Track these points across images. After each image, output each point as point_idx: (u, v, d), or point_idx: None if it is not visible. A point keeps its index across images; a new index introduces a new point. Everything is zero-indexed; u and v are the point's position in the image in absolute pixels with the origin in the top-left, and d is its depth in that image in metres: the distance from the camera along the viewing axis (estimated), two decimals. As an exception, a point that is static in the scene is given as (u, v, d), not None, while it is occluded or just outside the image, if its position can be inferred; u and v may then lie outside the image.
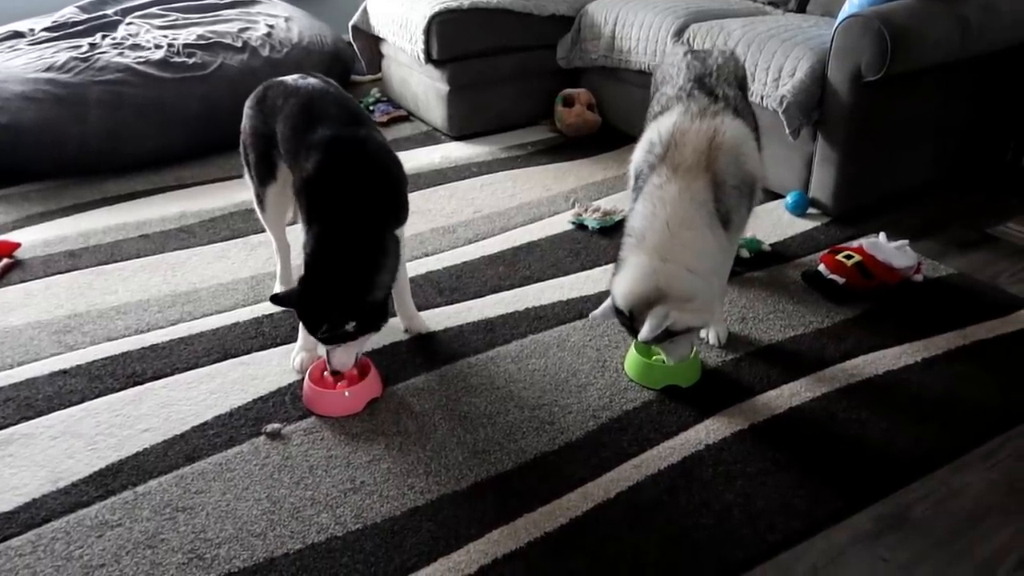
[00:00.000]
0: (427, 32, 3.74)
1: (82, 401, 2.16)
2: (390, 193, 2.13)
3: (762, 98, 3.06)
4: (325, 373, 2.15)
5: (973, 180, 3.38)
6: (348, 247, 1.97)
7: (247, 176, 2.51)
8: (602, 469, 1.89)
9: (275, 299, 2.00)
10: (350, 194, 2.02)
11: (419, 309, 2.48)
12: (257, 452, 1.97)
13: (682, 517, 1.76)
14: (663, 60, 2.39)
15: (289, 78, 2.34)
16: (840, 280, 2.52)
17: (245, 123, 2.44)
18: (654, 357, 2.18)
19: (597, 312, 2.03)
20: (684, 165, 1.90)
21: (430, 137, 4.03)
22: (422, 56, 3.81)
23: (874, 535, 1.72)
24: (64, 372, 2.28)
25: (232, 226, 3.13)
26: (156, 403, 2.15)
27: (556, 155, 3.76)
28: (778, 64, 3.00)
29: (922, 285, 2.60)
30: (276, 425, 2.04)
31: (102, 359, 2.33)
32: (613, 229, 3.02)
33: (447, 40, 3.74)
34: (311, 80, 2.32)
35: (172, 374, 2.27)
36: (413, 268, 2.77)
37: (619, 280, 1.94)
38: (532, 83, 4.05)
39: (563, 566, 1.65)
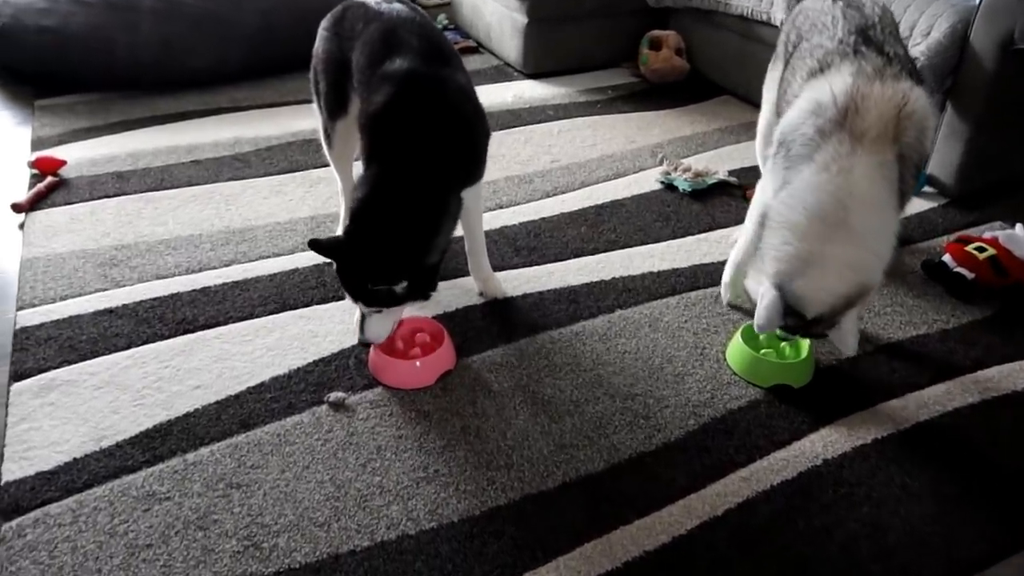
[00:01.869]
0: (509, -44, 3.40)
1: (129, 347, 1.97)
2: (465, 146, 1.89)
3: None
4: (397, 340, 1.94)
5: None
6: (408, 198, 1.74)
7: (316, 105, 2.27)
8: (706, 479, 1.67)
9: (315, 245, 1.74)
10: (419, 139, 1.78)
11: (494, 269, 2.24)
12: (319, 424, 1.77)
13: (801, 545, 1.54)
14: (805, 4, 2.06)
15: (371, 2, 2.06)
16: (969, 275, 2.24)
17: (318, 46, 2.18)
18: (762, 351, 1.93)
19: (762, 322, 1.68)
20: (870, 135, 1.61)
21: (501, 72, 3.72)
22: (500, -18, 3.48)
23: (1023, 587, 1.50)
24: (110, 312, 2.08)
25: (290, 157, 2.88)
26: (209, 356, 1.95)
27: (640, 103, 3.45)
28: (911, 20, 2.64)
29: (1061, 287, 2.30)
30: (340, 394, 1.84)
31: (150, 300, 2.13)
32: (706, 193, 2.74)
33: (531, -34, 3.40)
34: (396, 5, 2.04)
35: (226, 323, 2.07)
36: (487, 220, 2.51)
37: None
38: (617, 22, 3.71)
39: (665, 593, 1.45)
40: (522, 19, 3.54)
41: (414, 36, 1.92)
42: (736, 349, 1.96)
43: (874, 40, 1.78)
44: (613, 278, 2.29)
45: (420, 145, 1.78)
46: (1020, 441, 1.80)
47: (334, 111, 2.19)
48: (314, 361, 1.94)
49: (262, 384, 1.88)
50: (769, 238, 1.69)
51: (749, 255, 2.04)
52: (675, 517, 1.58)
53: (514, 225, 2.53)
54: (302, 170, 2.81)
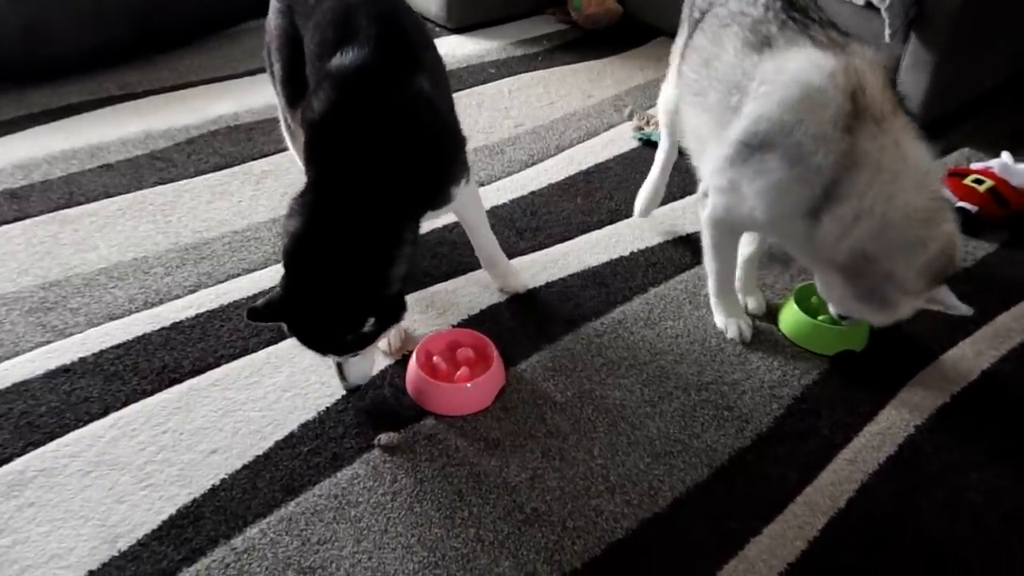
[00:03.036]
0: None
1: (106, 412, 1.61)
2: (424, 166, 1.55)
3: (847, -10, 2.65)
4: (435, 358, 1.69)
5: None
6: (352, 231, 1.44)
7: (273, 88, 1.92)
8: (813, 468, 1.57)
9: (255, 315, 1.43)
10: (364, 158, 1.48)
11: None
12: (378, 475, 1.51)
13: (932, 524, 1.48)
14: None
15: None
16: (972, 208, 2.24)
17: (270, 19, 1.84)
18: (820, 317, 1.84)
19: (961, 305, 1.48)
20: (886, 111, 1.45)
21: (422, 29, 3.38)
22: (418, -73, 3.12)
23: None
24: (66, 370, 1.69)
25: (219, 149, 2.47)
26: (212, 410, 1.63)
27: (579, 52, 3.24)
28: (872, -51, 2.58)
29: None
30: (391, 434, 1.58)
31: (112, 348, 1.75)
32: (685, 147, 2.60)
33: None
34: None
35: (217, 364, 1.73)
36: (471, 203, 2.27)
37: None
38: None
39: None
40: (443, -32, 3.21)
41: (372, 21, 1.57)
42: (793, 318, 1.85)
43: (799, 5, 1.58)
44: (632, 252, 2.12)
45: (365, 166, 1.47)
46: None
47: (292, 99, 1.86)
48: (343, 396, 1.66)
49: (291, 435, 1.58)
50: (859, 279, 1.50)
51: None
52: (800, 518, 1.47)
53: (505, 204, 2.30)
54: (239, 163, 2.41)
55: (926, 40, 2.61)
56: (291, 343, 1.76)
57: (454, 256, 2.05)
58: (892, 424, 1.67)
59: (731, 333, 1.82)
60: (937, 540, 1.45)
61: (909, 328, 1.88)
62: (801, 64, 1.46)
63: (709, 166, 1.63)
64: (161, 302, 1.89)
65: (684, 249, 2.13)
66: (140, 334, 1.79)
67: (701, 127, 1.69)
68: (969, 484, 1.55)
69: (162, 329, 1.81)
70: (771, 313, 1.92)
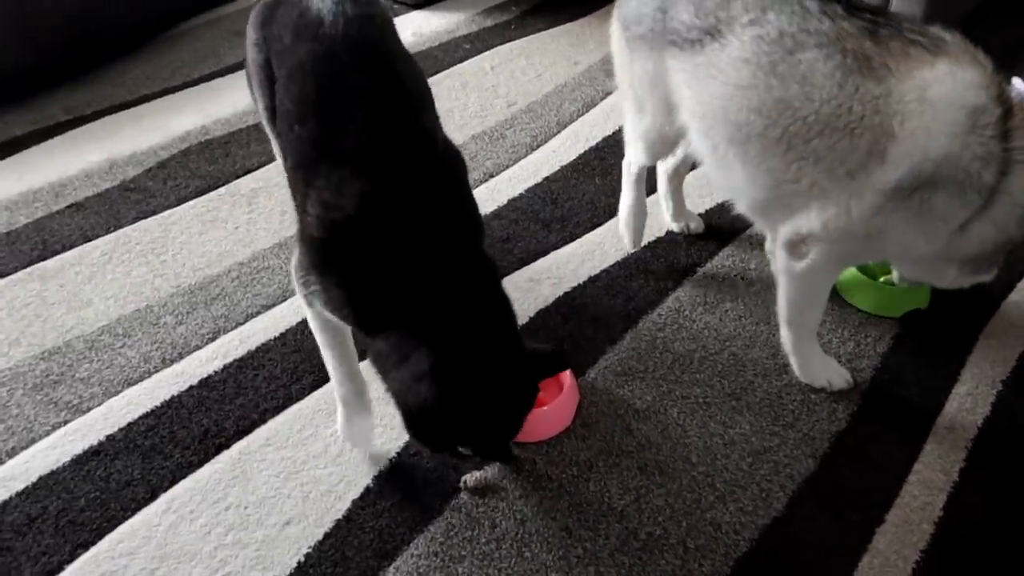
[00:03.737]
0: None
1: (154, 496, 1.45)
2: (477, 230, 1.31)
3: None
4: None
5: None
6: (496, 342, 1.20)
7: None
8: (915, 441, 1.51)
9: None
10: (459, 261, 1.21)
11: (529, 254, 1.92)
12: (474, 521, 1.39)
13: (1047, 486, 1.44)
14: None
15: None
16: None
17: (246, 51, 1.57)
18: (883, 278, 1.78)
19: None
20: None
21: (379, 7, 3.15)
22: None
23: None
24: (95, 453, 1.52)
25: (197, 170, 2.26)
26: (272, 475, 1.48)
27: (552, 15, 3.07)
28: None
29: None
30: (477, 473, 1.46)
31: (141, 418, 1.58)
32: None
33: None
34: (348, 6, 1.33)
35: (263, 420, 1.58)
36: (485, 195, 2.13)
37: None
38: (494, -77, 3.23)
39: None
40: (395, -61, 2.98)
41: (370, 77, 1.27)
42: (856, 283, 1.78)
43: (856, 3, 1.34)
44: (668, 232, 2.02)
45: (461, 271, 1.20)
46: None
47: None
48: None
49: (368, 491, 1.45)
50: None
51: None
52: (920, 499, 1.42)
53: (523, 195, 2.15)
54: (223, 183, 2.21)
55: (917, -33, 2.53)
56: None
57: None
58: (978, 382, 1.62)
59: (840, 383, 1.60)
60: (1057, 501, 1.42)
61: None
62: (949, 86, 1.24)
63: (823, 222, 1.36)
64: (180, 356, 1.71)
65: (720, 222, 2.03)
66: (167, 398, 1.62)
67: (787, 180, 1.38)
68: (1073, 437, 1.52)
69: (191, 388, 1.64)
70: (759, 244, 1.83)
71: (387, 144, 1.23)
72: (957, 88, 1.23)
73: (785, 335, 1.59)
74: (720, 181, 1.57)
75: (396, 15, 3.08)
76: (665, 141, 1.68)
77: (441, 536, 1.37)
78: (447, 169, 1.29)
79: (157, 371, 1.68)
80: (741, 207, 1.54)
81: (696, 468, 1.47)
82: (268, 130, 1.57)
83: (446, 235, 1.20)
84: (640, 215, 1.88)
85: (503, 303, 1.21)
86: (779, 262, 1.49)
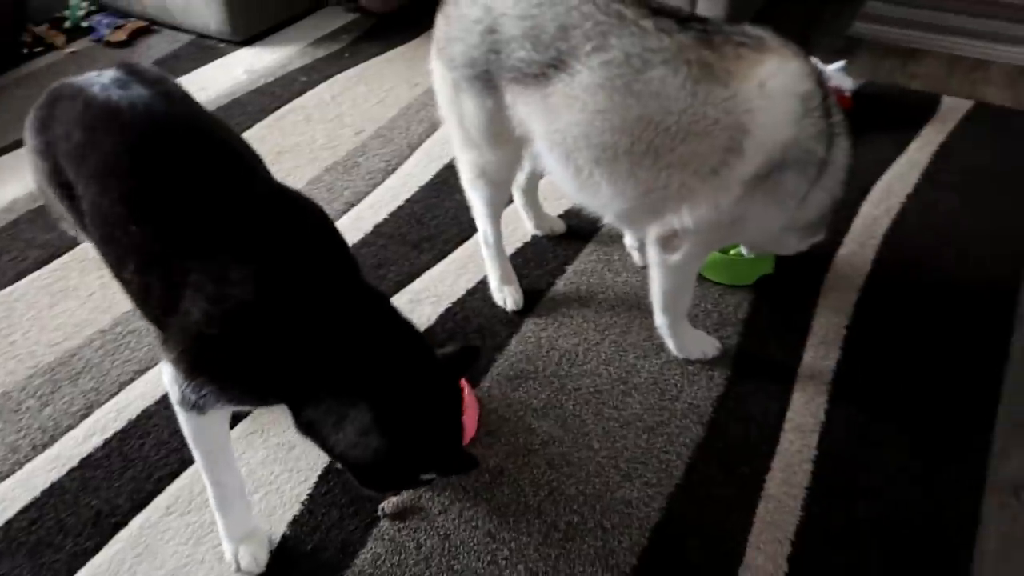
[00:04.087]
0: (176, -97, 2.72)
1: (50, 591, 1.35)
2: (356, 266, 1.27)
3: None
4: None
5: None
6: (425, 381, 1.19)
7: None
8: (784, 393, 1.68)
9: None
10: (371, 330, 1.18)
11: (405, 276, 1.97)
12: (399, 546, 1.40)
13: (898, 398, 1.64)
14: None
15: (88, 82, 1.26)
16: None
17: (30, 159, 1.35)
18: (732, 252, 1.94)
19: None
20: None
21: (204, 49, 3.06)
22: (173, -61, 2.79)
23: None
24: (-26, 559, 1.40)
25: (33, 240, 2.11)
26: (180, 543, 1.42)
27: (383, 39, 3.11)
28: None
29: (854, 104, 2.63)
30: (394, 499, 1.47)
31: (19, 513, 1.47)
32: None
33: (208, -89, 2.77)
34: (137, 91, 1.23)
35: (160, 489, 1.51)
36: (349, 224, 2.13)
37: None
38: (312, -45, 3.23)
39: None
40: (214, -22, 2.91)
41: (200, 155, 1.20)
42: (711, 260, 1.92)
43: (684, 15, 1.45)
44: (534, 237, 2.10)
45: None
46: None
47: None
48: (320, 475, 1.52)
49: (286, 538, 1.43)
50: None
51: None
52: (797, 443, 1.57)
53: (387, 219, 2.18)
54: (67, 249, 2.07)
55: (714, -34, 2.77)
56: (240, 429, 1.58)
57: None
58: (827, 331, 1.82)
59: (713, 352, 1.74)
60: (908, 426, 1.61)
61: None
62: (780, 78, 1.37)
63: (694, 218, 1.46)
64: (53, 440, 1.60)
65: (577, 219, 2.14)
66: (47, 486, 1.51)
67: (657, 187, 1.47)
68: (904, 350, 1.73)
69: (71, 471, 1.54)
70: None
71: (257, 219, 1.16)
72: (789, 79, 1.37)
73: (660, 320, 1.71)
74: (586, 200, 1.61)
75: (220, 54, 3.02)
76: (511, 171, 1.74)
77: (369, 568, 1.37)
78: (315, 219, 1.25)
79: (29, 460, 1.56)
80: (609, 219, 1.62)
81: (599, 453, 1.55)
82: (83, 237, 1.38)
83: (340, 287, 1.18)
84: (512, 278, 1.90)
85: (406, 325, 1.22)
86: (652, 257, 1.59)
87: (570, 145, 1.50)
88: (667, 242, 1.54)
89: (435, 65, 1.67)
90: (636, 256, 1.98)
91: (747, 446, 1.57)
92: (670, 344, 1.74)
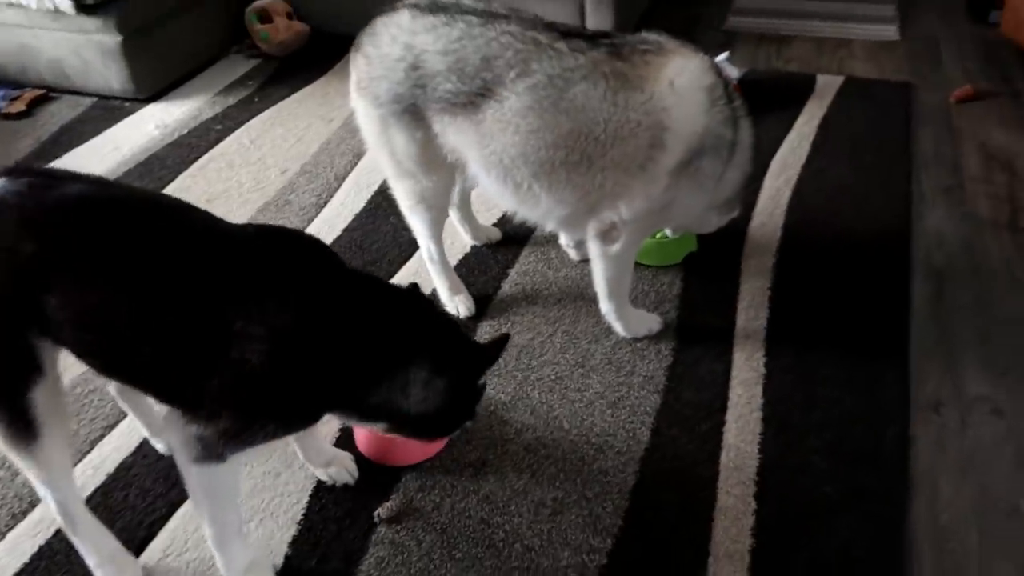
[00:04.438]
0: (67, -31, 2.72)
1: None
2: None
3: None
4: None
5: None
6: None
7: None
8: (726, 354, 1.84)
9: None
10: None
11: None
12: (401, 547, 1.48)
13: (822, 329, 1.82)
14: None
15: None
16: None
17: None
18: (658, 235, 2.10)
19: None
20: None
21: (109, 110, 3.05)
22: (67, 4, 2.79)
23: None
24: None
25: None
26: (184, 580, 1.45)
27: (290, 81, 3.17)
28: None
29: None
30: (387, 504, 1.54)
31: (13, 580, 1.46)
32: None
33: (101, -26, 2.78)
34: (75, 187, 1.22)
35: (153, 535, 1.53)
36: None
37: None
38: (207, 9, 3.27)
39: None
40: (113, 39, 2.91)
41: (174, 222, 1.23)
42: (643, 247, 2.07)
43: (589, 33, 1.61)
44: (473, 246, 2.21)
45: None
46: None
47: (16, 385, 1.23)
48: (312, 494, 1.57)
49: (289, 559, 1.48)
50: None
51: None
52: (745, 395, 1.73)
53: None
54: None
55: (596, -20, 2.97)
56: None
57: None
58: (753, 295, 1.99)
59: (657, 327, 1.88)
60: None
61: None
62: (686, 75, 1.52)
63: (631, 211, 1.61)
64: (32, 505, 1.60)
65: (511, 225, 2.26)
66: (35, 550, 1.51)
67: (594, 189, 1.60)
68: (823, 299, 1.92)
69: (58, 532, 1.53)
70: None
71: (255, 255, 1.21)
72: (693, 76, 1.53)
73: (606, 306, 1.84)
74: (528, 212, 1.72)
75: (127, 113, 3.01)
76: (448, 193, 1.85)
77: (376, 571, 1.44)
78: (297, 238, 1.32)
79: (11, 529, 1.55)
80: (551, 226, 1.75)
81: (570, 433, 1.67)
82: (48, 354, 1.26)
83: (358, 285, 1.29)
84: (460, 287, 2.00)
85: (422, 301, 1.36)
86: (594, 250, 1.72)
87: (508, 165, 1.61)
88: (607, 235, 1.68)
89: (359, 104, 1.73)
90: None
91: (701, 405, 1.71)
92: (617, 327, 1.87)
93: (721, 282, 2.04)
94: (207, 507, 1.32)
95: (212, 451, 1.21)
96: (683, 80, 1.53)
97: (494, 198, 1.76)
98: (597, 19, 3.03)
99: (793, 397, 1.72)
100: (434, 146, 1.68)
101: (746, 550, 1.44)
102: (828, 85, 2.89)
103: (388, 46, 1.62)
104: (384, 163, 1.80)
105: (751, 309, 1.95)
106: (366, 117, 1.73)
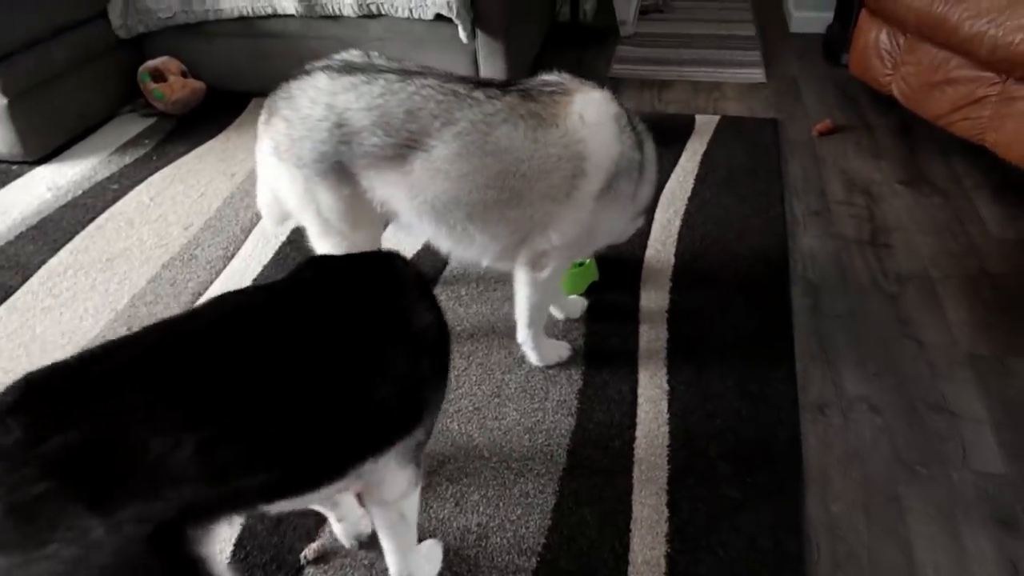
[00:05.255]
0: (-53, 32, 2.65)
1: None
2: None
3: (411, 11, 3.05)
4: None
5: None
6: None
7: None
8: (632, 373, 1.95)
9: None
10: None
11: None
12: (331, 584, 1.49)
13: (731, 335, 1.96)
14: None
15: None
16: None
17: None
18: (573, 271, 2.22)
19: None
20: None
21: (-6, 173, 2.96)
22: (-53, 68, 2.71)
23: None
24: None
25: None
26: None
27: (188, 138, 3.17)
28: (420, -27, 2.99)
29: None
30: (313, 545, 1.55)
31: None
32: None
33: (-20, 36, 2.73)
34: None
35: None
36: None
37: None
38: (97, 68, 3.24)
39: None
40: (-2, 101, 2.84)
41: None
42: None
43: (498, 82, 1.73)
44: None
45: None
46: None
47: None
48: (234, 545, 1.57)
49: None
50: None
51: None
52: (651, 412, 1.84)
53: (239, 301, 2.24)
54: None
55: (489, 32, 3.13)
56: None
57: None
58: (652, 317, 2.13)
59: (567, 354, 2.00)
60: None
61: (615, 249, 2.38)
62: (592, 108, 1.66)
63: (561, 237, 1.71)
64: None
65: (425, 264, 2.34)
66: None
67: (525, 221, 1.70)
68: (715, 316, 2.08)
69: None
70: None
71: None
72: (600, 107, 1.67)
73: (524, 334, 1.93)
74: (462, 252, 1.80)
75: (15, 176, 2.93)
76: (375, 247, 1.88)
77: (306, 613, 1.45)
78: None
79: None
80: (486, 262, 1.83)
81: (491, 460, 1.73)
82: None
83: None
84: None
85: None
86: (522, 278, 1.82)
87: (440, 209, 1.68)
88: (537, 263, 1.78)
89: (280, 168, 1.72)
90: (557, 313, 2.14)
91: (612, 424, 1.82)
92: (531, 356, 1.96)
93: (622, 308, 2.17)
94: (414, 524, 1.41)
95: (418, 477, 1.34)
96: (591, 113, 1.66)
97: (431, 241, 1.82)
98: (490, 68, 3.19)
99: (695, 410, 1.85)
100: (362, 201, 1.72)
101: (662, 556, 1.54)
102: (706, 124, 3.13)
103: (308, 108, 1.64)
104: (309, 223, 1.80)
105: (651, 331, 2.08)
106: (289, 180, 1.73)
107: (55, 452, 0.90)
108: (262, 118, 1.73)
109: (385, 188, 1.69)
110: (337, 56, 1.72)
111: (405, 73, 1.65)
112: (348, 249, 1.79)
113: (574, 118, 1.64)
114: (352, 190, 1.70)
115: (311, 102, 1.65)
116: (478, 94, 1.64)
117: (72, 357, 1.01)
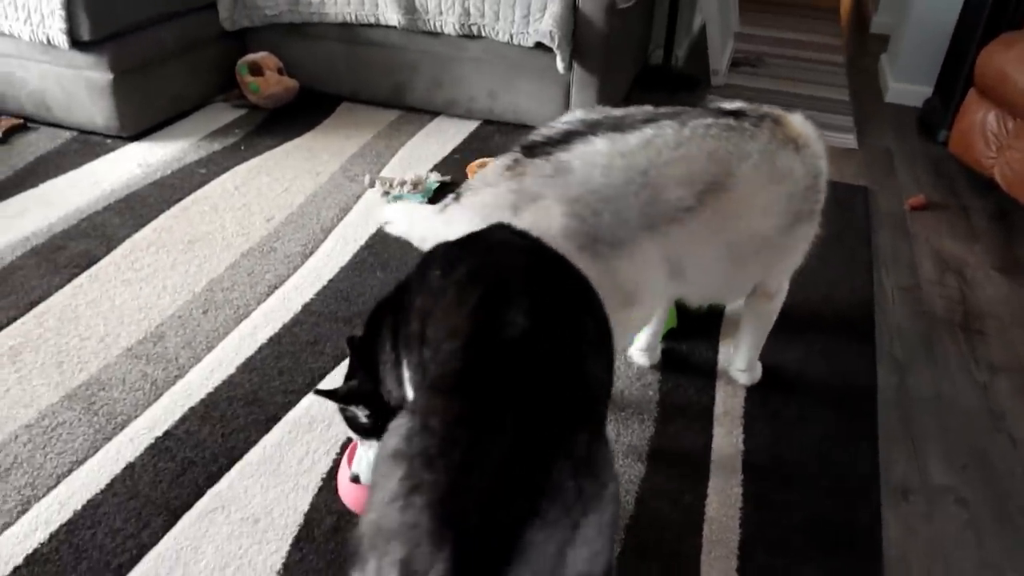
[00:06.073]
0: (69, 5, 2.74)
1: None
2: None
3: (511, 36, 3.07)
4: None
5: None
6: None
7: None
8: (706, 436, 1.88)
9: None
10: None
11: (341, 352, 1.98)
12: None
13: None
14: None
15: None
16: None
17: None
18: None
19: None
20: None
21: (89, 145, 3.03)
22: (62, 39, 2.79)
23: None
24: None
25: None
26: (154, 627, 1.38)
27: (277, 132, 3.21)
28: (526, 3, 3.01)
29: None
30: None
31: (-35, 619, 1.37)
32: (435, 198, 2.78)
33: (101, 12, 2.80)
34: None
35: (138, 560, 1.47)
36: (278, 304, 2.18)
37: None
38: (199, 55, 3.32)
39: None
40: (104, 76, 2.91)
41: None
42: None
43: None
44: (458, 307, 2.24)
45: None
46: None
47: None
48: (290, 546, 1.53)
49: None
50: None
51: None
52: (727, 452, 1.77)
53: (313, 298, 2.23)
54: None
55: (585, 65, 3.13)
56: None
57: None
58: (731, 376, 2.06)
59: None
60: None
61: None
62: (809, 128, 1.70)
63: (801, 255, 1.78)
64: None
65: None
66: (-8, 587, 1.43)
67: (792, 243, 1.72)
68: (797, 388, 2.00)
69: (16, 569, 1.46)
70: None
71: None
72: (811, 126, 1.72)
73: (749, 362, 2.01)
74: (724, 293, 1.90)
75: (109, 149, 2.99)
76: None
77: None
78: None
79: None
80: (731, 298, 1.99)
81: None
82: None
83: None
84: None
85: None
86: (757, 307, 1.91)
87: (736, 248, 1.65)
88: (776, 289, 1.85)
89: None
90: (641, 358, 2.07)
91: (684, 476, 1.75)
92: (744, 379, 2.02)
93: (700, 360, 2.10)
94: None
95: None
96: (810, 131, 1.71)
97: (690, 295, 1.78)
98: (581, 101, 3.18)
99: (770, 475, 1.77)
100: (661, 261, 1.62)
101: (728, 623, 1.46)
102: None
103: (604, 176, 1.49)
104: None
105: (728, 387, 2.01)
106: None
107: None
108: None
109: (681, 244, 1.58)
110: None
111: (675, 116, 1.59)
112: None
113: (807, 138, 1.68)
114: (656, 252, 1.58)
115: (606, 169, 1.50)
116: (746, 124, 1.61)
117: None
